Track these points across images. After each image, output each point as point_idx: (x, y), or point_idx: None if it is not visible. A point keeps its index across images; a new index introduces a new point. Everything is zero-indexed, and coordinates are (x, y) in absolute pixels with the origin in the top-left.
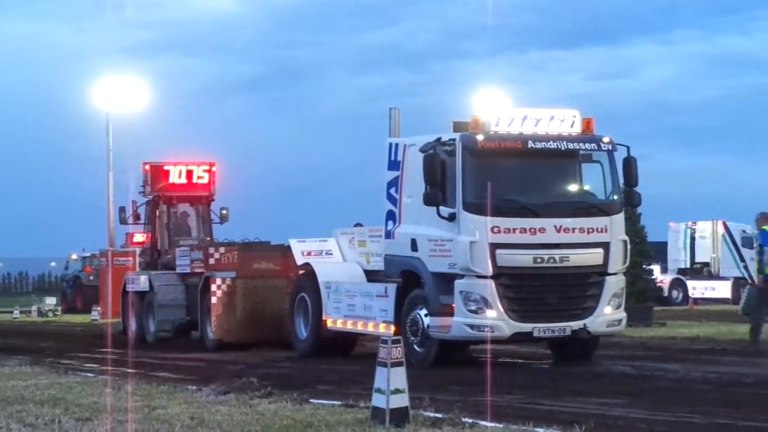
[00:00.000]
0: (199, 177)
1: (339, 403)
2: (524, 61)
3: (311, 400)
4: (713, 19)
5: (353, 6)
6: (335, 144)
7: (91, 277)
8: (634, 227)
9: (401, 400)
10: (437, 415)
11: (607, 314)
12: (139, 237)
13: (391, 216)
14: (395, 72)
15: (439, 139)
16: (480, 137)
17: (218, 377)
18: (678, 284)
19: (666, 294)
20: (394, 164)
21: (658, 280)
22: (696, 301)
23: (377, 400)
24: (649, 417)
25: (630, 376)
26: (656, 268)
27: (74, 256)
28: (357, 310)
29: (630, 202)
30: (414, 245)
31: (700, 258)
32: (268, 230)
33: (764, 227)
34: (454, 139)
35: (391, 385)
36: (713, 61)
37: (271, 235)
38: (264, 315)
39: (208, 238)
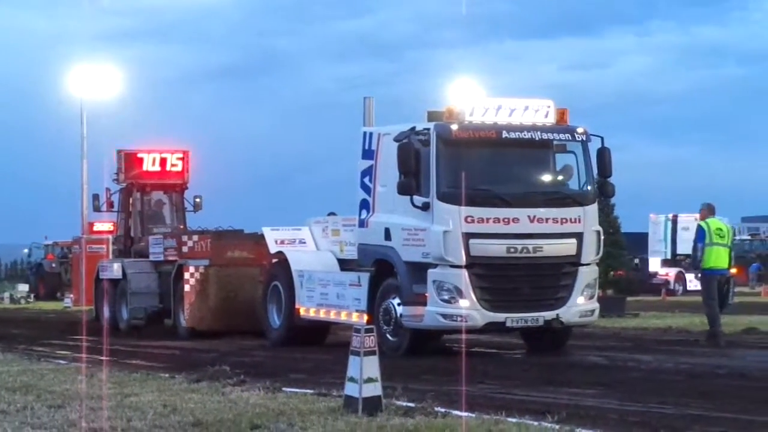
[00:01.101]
0: (172, 165)
1: (312, 391)
2: (500, 50)
3: (284, 389)
4: (689, 9)
5: None
6: (310, 132)
7: (53, 265)
8: (607, 218)
9: (374, 389)
10: (410, 404)
11: (580, 304)
12: (99, 226)
13: (364, 205)
14: (370, 61)
15: (413, 129)
16: (454, 127)
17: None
18: (681, 277)
19: (672, 287)
20: (368, 153)
21: (662, 273)
22: (669, 292)
23: (350, 389)
24: (620, 407)
25: (602, 366)
26: (657, 261)
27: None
28: (330, 298)
29: (604, 192)
30: (387, 234)
31: (681, 250)
32: (241, 219)
33: (707, 220)
34: (428, 129)
35: (364, 374)
36: (689, 52)
37: (244, 223)
38: (237, 303)
39: (181, 226)
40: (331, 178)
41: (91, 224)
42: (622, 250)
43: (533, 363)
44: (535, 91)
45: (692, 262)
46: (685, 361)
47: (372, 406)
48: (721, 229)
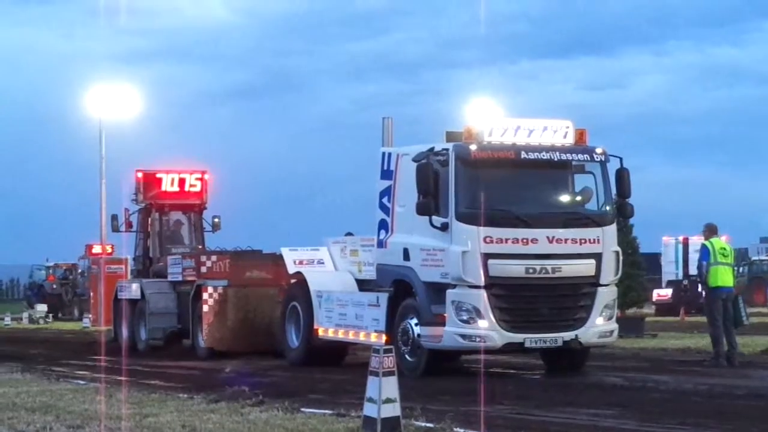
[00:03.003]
0: (191, 185)
1: (330, 412)
2: (516, 70)
3: (303, 409)
4: (706, 30)
5: (345, 15)
6: (327, 152)
7: (54, 286)
8: (626, 238)
9: (393, 410)
10: (428, 424)
11: (599, 325)
12: (98, 248)
13: (383, 225)
14: (387, 81)
15: (432, 149)
16: (473, 147)
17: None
18: None
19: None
20: (386, 173)
21: None
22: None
23: (369, 410)
24: (639, 428)
25: (621, 387)
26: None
27: (56, 264)
28: (348, 319)
29: (622, 213)
30: (406, 254)
31: (694, 271)
32: (260, 239)
33: (710, 240)
34: (447, 149)
35: (383, 395)
36: (706, 73)
37: (263, 243)
38: (255, 323)
39: (200, 246)
40: (349, 198)
41: (90, 246)
42: (641, 270)
43: (552, 383)
44: (552, 111)
45: (699, 281)
46: (704, 381)
47: (391, 426)
48: (724, 249)
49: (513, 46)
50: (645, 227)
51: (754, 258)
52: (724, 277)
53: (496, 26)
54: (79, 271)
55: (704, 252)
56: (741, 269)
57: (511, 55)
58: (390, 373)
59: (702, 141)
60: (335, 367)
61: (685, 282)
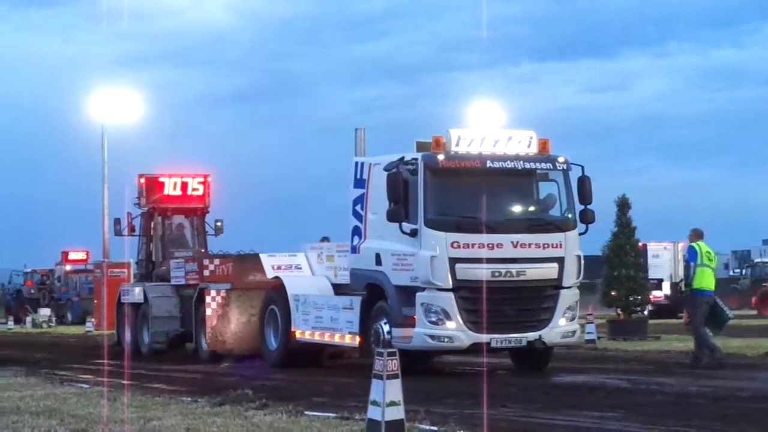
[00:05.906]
0: (193, 189)
1: (334, 415)
2: (517, 73)
3: (306, 412)
4: (707, 32)
5: (345, 19)
6: (329, 155)
7: (32, 291)
8: (629, 241)
9: (397, 413)
10: (433, 428)
11: (562, 326)
12: (74, 255)
13: (356, 232)
14: (387, 84)
15: (402, 159)
16: (441, 157)
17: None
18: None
19: None
20: (359, 182)
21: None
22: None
23: (373, 413)
24: (643, 431)
25: (625, 389)
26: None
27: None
28: (324, 321)
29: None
30: (378, 259)
31: (653, 275)
32: (262, 242)
33: (695, 242)
34: (416, 159)
35: (387, 398)
36: (707, 74)
37: (265, 246)
38: (258, 327)
39: (202, 250)
40: (350, 201)
41: (66, 253)
42: (643, 273)
43: (555, 386)
44: (554, 113)
45: (685, 281)
46: (708, 384)
47: (395, 429)
48: (710, 253)
49: (514, 48)
50: (648, 229)
51: (756, 260)
52: (708, 280)
53: (496, 29)
54: (56, 276)
55: (692, 253)
56: (744, 272)
57: (512, 58)
58: (394, 376)
59: (703, 143)
60: (339, 370)
61: (681, 284)
